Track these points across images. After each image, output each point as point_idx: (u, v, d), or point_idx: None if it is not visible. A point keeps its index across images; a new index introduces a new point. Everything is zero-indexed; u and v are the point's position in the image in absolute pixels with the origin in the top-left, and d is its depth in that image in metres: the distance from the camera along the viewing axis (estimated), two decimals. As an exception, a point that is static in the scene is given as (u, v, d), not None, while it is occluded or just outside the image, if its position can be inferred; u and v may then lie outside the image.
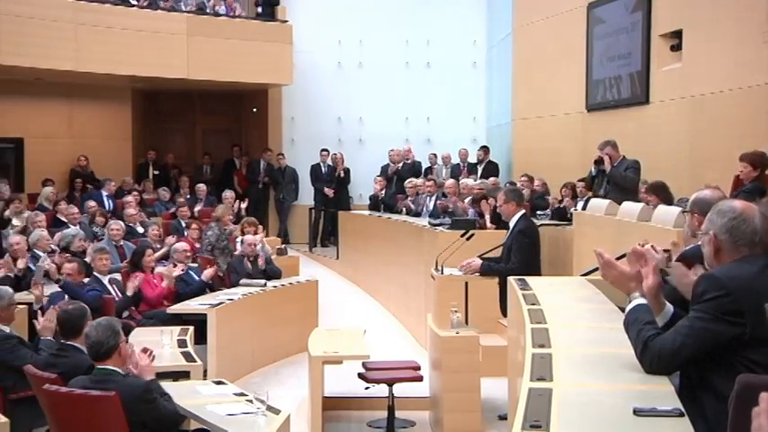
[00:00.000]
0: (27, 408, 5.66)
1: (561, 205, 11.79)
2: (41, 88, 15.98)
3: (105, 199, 14.87)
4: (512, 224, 7.85)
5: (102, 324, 5.13)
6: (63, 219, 12.58)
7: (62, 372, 5.41)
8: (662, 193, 8.67)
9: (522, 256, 7.57)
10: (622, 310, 3.69)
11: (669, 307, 3.54)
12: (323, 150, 17.69)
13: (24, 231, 10.96)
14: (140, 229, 12.68)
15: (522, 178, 13.21)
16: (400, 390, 7.55)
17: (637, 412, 2.72)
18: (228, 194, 15.12)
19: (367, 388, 7.60)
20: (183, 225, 13.39)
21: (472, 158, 16.77)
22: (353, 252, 14.88)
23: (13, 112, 15.95)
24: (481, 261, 7.69)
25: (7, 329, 6.44)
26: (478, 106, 18.73)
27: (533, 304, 4.74)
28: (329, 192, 17.32)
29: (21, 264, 9.29)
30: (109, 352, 5.03)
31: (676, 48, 11.69)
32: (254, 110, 19.13)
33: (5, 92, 15.63)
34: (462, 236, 8.17)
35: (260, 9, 17.91)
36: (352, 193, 17.96)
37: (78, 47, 14.84)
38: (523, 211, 8.02)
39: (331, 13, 18.39)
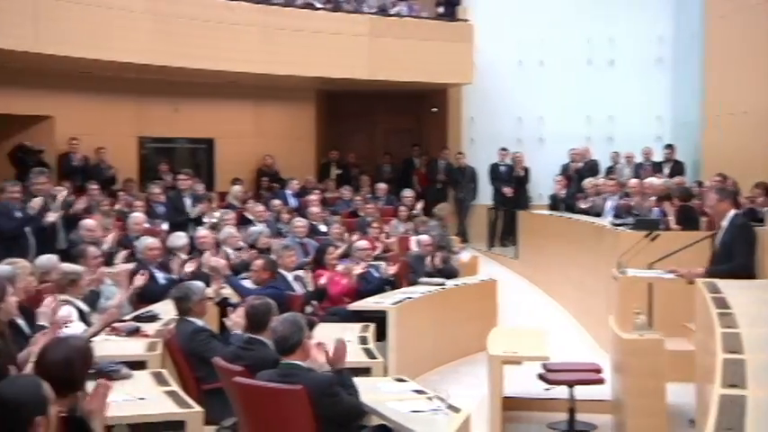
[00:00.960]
0: (218, 399, 5.87)
1: (754, 205, 11.27)
2: (231, 90, 16.59)
3: (288, 197, 15.28)
4: (725, 223, 7.58)
5: (287, 320, 5.27)
6: (250, 216, 13.01)
7: (249, 364, 5.59)
8: None
9: (745, 252, 7.32)
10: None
11: None
12: (502, 149, 17.59)
13: (215, 228, 11.42)
14: (323, 227, 12.97)
15: (717, 178, 12.68)
16: (581, 392, 7.42)
17: (841, 424, 2.56)
18: (408, 193, 15.27)
19: (547, 389, 7.50)
20: (368, 222, 13.57)
21: (656, 157, 16.30)
22: (533, 252, 14.72)
23: (205, 114, 16.65)
24: (703, 269, 7.44)
25: (200, 323, 6.71)
26: (663, 104, 18.17)
27: (723, 308, 4.56)
28: (508, 191, 17.18)
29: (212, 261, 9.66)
30: (294, 347, 5.16)
31: None
32: (434, 109, 19.23)
33: (198, 95, 16.35)
34: (646, 236, 7.95)
35: (441, 9, 18.00)
36: (531, 193, 17.76)
37: (266, 49, 15.35)
38: (735, 210, 7.76)
39: (512, 11, 18.24)
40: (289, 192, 15.51)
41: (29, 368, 4.63)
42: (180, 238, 10.08)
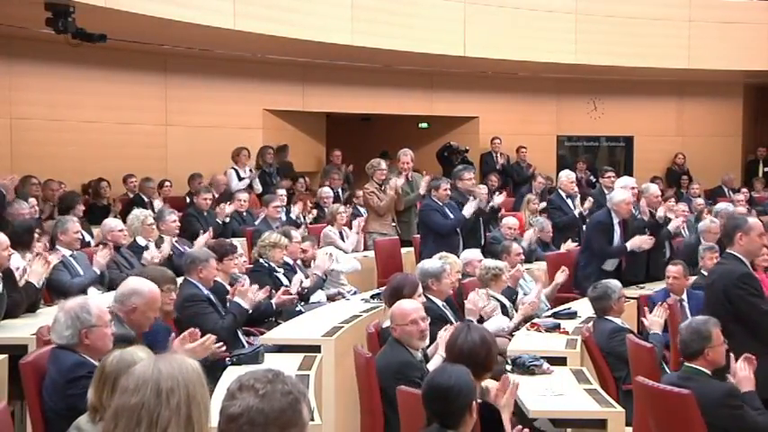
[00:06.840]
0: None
1: None
2: (652, 87, 16.34)
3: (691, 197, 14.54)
4: None
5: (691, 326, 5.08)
6: (669, 215, 12.63)
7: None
8: None
9: None
10: None
11: None
12: None
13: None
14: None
15: None
16: None
17: None
18: None
19: None
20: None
21: None
22: None
23: (625, 111, 16.58)
24: None
25: (618, 322, 6.66)
26: None
27: None
28: None
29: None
30: (695, 353, 4.95)
31: None
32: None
33: (618, 92, 16.32)
34: None
35: None
36: None
37: (690, 44, 14.94)
38: None
39: None
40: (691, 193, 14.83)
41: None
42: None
